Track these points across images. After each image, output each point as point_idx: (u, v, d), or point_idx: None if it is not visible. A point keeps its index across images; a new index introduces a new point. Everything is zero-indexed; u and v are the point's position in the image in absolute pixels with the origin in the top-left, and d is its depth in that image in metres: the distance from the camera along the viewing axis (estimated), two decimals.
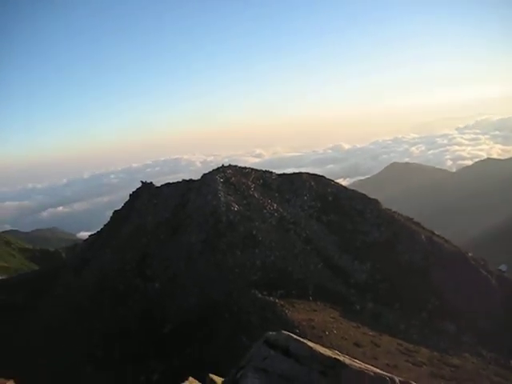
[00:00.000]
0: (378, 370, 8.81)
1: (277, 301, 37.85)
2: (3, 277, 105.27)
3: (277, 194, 56.03)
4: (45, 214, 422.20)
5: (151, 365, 38.45)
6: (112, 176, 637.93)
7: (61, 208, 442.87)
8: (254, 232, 46.71)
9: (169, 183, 63.46)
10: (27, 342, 53.11)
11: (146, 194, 63.40)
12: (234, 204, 50.08)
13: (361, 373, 8.60)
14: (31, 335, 54.70)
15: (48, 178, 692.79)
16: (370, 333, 35.66)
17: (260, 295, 38.73)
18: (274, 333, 9.91)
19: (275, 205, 52.48)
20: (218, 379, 10.45)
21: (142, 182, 68.32)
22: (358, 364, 8.90)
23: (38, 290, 68.17)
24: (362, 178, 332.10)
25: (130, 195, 67.68)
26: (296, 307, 37.70)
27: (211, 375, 10.67)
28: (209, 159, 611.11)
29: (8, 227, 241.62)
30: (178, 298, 43.60)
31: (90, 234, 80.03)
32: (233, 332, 36.13)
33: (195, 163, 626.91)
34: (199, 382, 11.48)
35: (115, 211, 69.11)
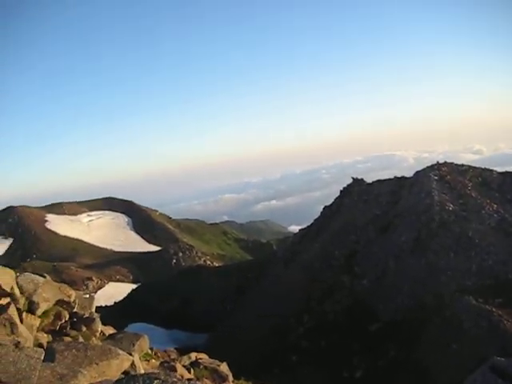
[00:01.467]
0: None
1: (493, 310, 37.32)
2: (219, 264, 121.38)
3: (497, 194, 54.13)
4: (259, 206, 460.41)
5: (354, 361, 41.61)
6: (323, 171, 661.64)
7: (274, 201, 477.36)
8: (470, 233, 46.45)
9: (380, 180, 65.90)
10: (237, 325, 61.92)
11: (357, 190, 67.10)
12: (448, 203, 50.38)
13: None
14: (240, 320, 63.51)
15: (263, 172, 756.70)
16: None
17: (475, 302, 38.64)
18: (502, 359, 9.16)
19: (495, 205, 50.95)
20: None
21: (352, 178, 72.27)
22: None
23: (249, 278, 77.81)
24: None
25: (341, 191, 72.30)
26: None
27: None
28: (423, 156, 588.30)
29: (225, 218, 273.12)
30: (386, 296, 46.07)
31: (300, 227, 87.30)
32: (442, 338, 37.00)
33: (408, 160, 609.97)
34: None
35: (325, 206, 74.53)
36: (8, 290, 10.67)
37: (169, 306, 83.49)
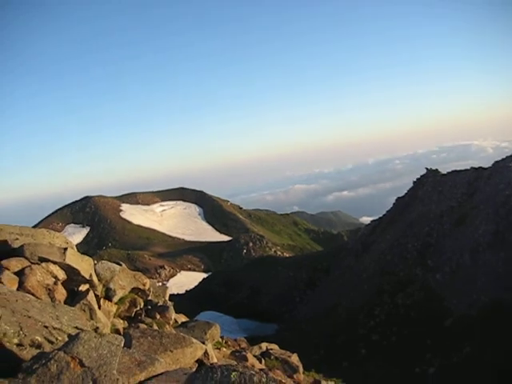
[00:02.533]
0: None
1: None
2: (290, 254, 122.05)
3: None
4: (330, 197, 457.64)
5: (427, 357, 40.93)
6: (396, 162, 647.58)
7: (345, 192, 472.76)
8: None
9: (456, 170, 63.93)
10: (306, 316, 62.45)
11: (431, 181, 65.44)
12: None
13: None
14: (310, 311, 63.97)
15: (334, 163, 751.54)
16: None
17: None
18: None
19: None
20: None
21: (426, 168, 70.53)
22: None
23: (319, 269, 78.01)
24: None
25: (414, 182, 70.82)
26: None
27: None
28: (502, 145, 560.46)
29: (296, 208, 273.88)
30: (460, 291, 44.92)
31: (372, 219, 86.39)
32: None
33: (486, 149, 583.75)
34: None
35: (398, 198, 73.34)
36: (87, 277, 11.70)
37: (238, 296, 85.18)
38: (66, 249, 11.50)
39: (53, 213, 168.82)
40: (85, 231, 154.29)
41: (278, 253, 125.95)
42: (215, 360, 8.72)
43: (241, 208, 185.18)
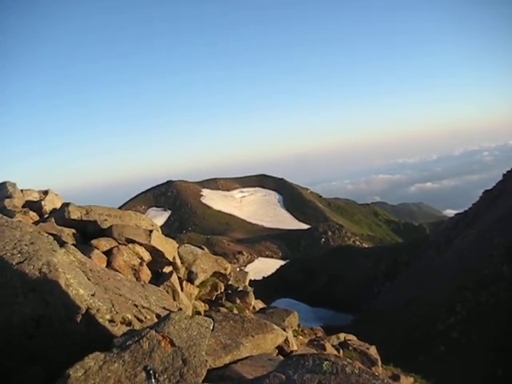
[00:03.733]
0: None
1: None
2: (369, 245, 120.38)
3: None
4: (413, 188, 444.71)
5: (510, 359, 39.15)
6: (485, 153, 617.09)
7: (429, 184, 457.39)
8: None
9: None
10: (384, 308, 61.46)
11: None
12: None
13: None
14: (388, 303, 62.86)
15: (419, 153, 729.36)
16: None
17: None
18: None
19: None
20: None
21: None
22: None
23: (399, 261, 76.39)
24: None
25: (504, 175, 67.51)
26: None
27: None
28: None
29: (377, 199, 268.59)
30: None
31: (456, 212, 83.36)
32: None
33: None
34: None
35: (486, 191, 70.22)
36: (170, 259, 12.21)
37: (315, 284, 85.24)
38: (151, 231, 12.07)
39: (136, 196, 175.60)
40: (166, 215, 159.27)
41: (357, 243, 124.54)
42: (295, 348, 8.84)
43: (320, 196, 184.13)
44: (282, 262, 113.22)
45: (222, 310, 11.98)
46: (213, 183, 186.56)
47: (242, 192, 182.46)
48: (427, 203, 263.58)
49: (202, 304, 12.31)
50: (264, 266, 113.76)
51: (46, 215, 16.09)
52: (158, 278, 11.07)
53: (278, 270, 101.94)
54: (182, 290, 11.55)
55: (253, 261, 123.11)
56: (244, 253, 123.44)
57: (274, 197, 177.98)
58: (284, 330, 8.72)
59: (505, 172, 68.26)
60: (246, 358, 6.08)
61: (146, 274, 10.88)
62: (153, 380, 3.28)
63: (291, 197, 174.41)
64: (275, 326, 8.06)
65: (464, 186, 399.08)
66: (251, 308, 13.31)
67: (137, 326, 5.74)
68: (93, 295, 5.61)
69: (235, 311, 12.09)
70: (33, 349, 5.54)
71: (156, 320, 5.90)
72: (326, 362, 4.31)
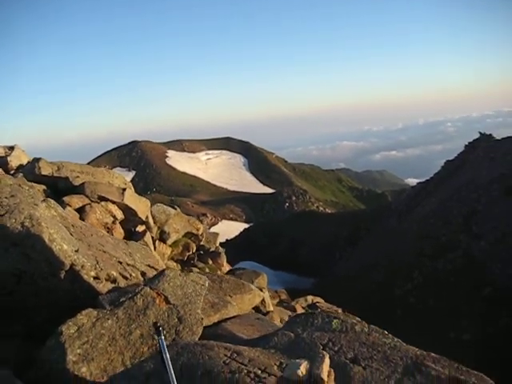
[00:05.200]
0: None
1: None
2: (332, 211, 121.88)
3: None
4: (377, 156, 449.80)
5: (463, 325, 40.67)
6: (448, 124, 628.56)
7: (394, 152, 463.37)
8: None
9: (511, 137, 61.67)
10: (344, 274, 62.76)
11: (484, 146, 63.37)
12: None
13: None
14: (348, 269, 64.19)
15: (384, 121, 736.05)
16: None
17: None
18: None
19: None
20: None
21: (480, 132, 68.36)
22: None
23: (361, 227, 77.72)
24: None
25: (466, 146, 68.78)
26: None
27: None
28: None
29: (342, 165, 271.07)
30: (504, 261, 44.01)
31: (418, 181, 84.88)
32: None
33: None
34: None
35: (447, 161, 71.50)
36: (143, 218, 12.09)
37: (278, 248, 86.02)
38: (124, 189, 11.88)
39: (100, 155, 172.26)
40: (130, 175, 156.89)
41: (321, 208, 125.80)
42: (271, 308, 8.93)
43: (286, 161, 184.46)
44: (246, 225, 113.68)
45: (195, 270, 11.99)
46: (178, 145, 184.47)
47: (208, 154, 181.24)
48: (391, 171, 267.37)
49: (175, 264, 12.29)
50: (228, 229, 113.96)
51: (12, 171, 15.62)
52: (130, 237, 10.96)
53: (241, 232, 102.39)
54: (154, 249, 11.49)
55: (217, 223, 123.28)
56: (208, 215, 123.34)
57: (239, 160, 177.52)
58: (261, 290, 8.77)
59: (467, 143, 69.54)
60: (235, 317, 6.07)
61: (119, 232, 10.75)
62: (162, 336, 3.21)
63: (256, 160, 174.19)
64: (253, 287, 8.09)
65: (427, 155, 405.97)
66: (223, 269, 13.36)
67: (122, 283, 5.65)
68: (76, 251, 5.46)
69: (207, 271, 12.13)
70: (13, 305, 5.41)
71: (141, 278, 5.83)
72: (335, 320, 4.36)
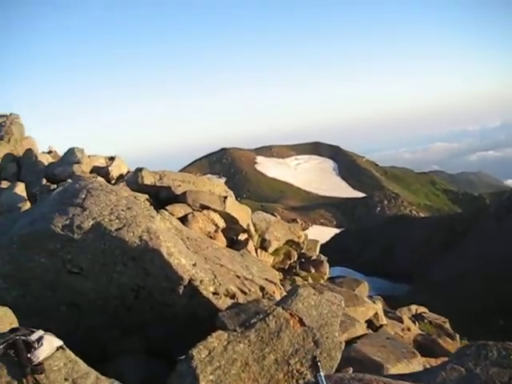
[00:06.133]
0: None
1: None
2: (425, 214, 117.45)
3: None
4: (473, 157, 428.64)
5: None
6: None
7: (491, 152, 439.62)
8: None
9: None
10: (441, 280, 60.08)
11: None
12: None
13: None
14: (445, 275, 61.37)
15: (480, 120, 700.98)
16: None
17: None
18: None
19: None
20: None
21: None
22: None
23: (457, 232, 74.19)
24: None
25: None
26: None
27: None
28: None
29: (435, 167, 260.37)
30: None
31: None
32: None
33: None
34: None
35: None
36: (244, 226, 11.91)
37: (370, 253, 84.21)
38: (225, 197, 11.76)
39: (191, 163, 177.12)
40: (221, 182, 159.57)
41: (414, 212, 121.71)
42: (384, 322, 8.42)
43: (377, 165, 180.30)
44: (337, 231, 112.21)
45: (298, 279, 11.67)
46: (267, 150, 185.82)
47: (297, 159, 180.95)
48: (488, 173, 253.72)
49: (276, 273, 12.03)
50: (318, 234, 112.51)
51: (113, 181, 16.07)
52: (232, 246, 10.82)
53: (332, 238, 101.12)
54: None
55: (307, 229, 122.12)
56: (298, 220, 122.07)
57: (329, 164, 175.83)
58: (374, 302, 8.29)
59: None
60: (362, 335, 5.61)
61: (222, 241, 10.64)
62: (322, 373, 2.84)
63: (346, 165, 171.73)
64: (366, 299, 7.68)
65: None
66: (326, 277, 12.93)
67: (241, 298, 5.38)
68: (194, 265, 5.27)
69: (310, 281, 11.76)
70: (131, 320, 5.31)
71: (260, 293, 5.54)
72: None
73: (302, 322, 4.15)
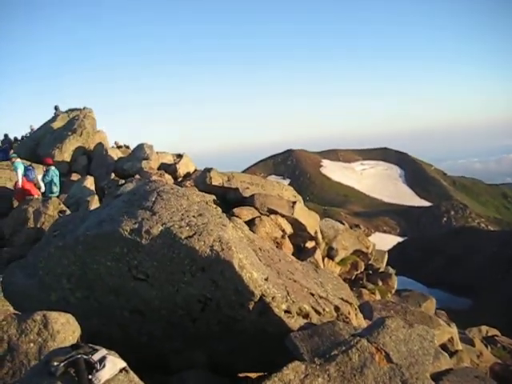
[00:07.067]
0: None
1: None
2: (494, 228, 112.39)
3: None
4: None
5: None
6: None
7: None
8: None
9: None
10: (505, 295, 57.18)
11: None
12: None
13: None
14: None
15: None
16: None
17: None
18: None
19: None
20: None
21: None
22: None
23: None
24: None
25: None
26: None
27: None
28: None
29: (509, 180, 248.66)
30: None
31: None
32: None
33: None
34: None
35: None
36: (312, 233, 11.47)
37: (433, 264, 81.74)
38: (294, 202, 11.38)
39: (255, 163, 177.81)
40: (286, 183, 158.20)
41: (482, 225, 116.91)
42: (460, 347, 7.74)
43: (445, 174, 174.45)
44: (400, 239, 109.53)
45: (364, 291, 11.13)
46: (333, 154, 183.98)
47: (363, 164, 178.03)
48: None
49: (351, 292, 11.54)
50: (381, 242, 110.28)
51: (180, 178, 15.99)
52: (299, 253, 10.45)
53: (395, 246, 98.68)
54: (323, 266, 10.83)
55: (369, 235, 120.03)
56: (361, 226, 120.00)
57: (395, 171, 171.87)
58: (449, 325, 7.65)
59: None
60: (447, 370, 5.00)
61: (288, 247, 10.27)
62: None
63: (414, 172, 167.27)
64: (441, 322, 7.05)
65: None
66: (393, 292, 12.29)
67: (314, 319, 4.99)
68: (266, 280, 4.92)
69: (377, 294, 11.21)
70: (195, 332, 5.06)
71: (334, 313, 5.14)
72: None
73: (388, 358, 3.68)
